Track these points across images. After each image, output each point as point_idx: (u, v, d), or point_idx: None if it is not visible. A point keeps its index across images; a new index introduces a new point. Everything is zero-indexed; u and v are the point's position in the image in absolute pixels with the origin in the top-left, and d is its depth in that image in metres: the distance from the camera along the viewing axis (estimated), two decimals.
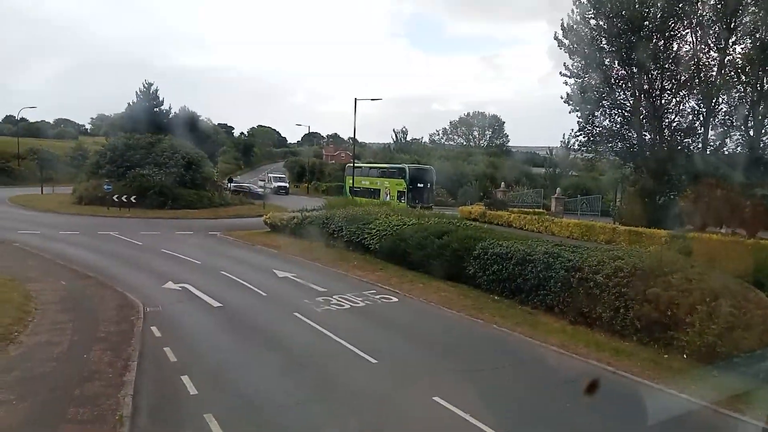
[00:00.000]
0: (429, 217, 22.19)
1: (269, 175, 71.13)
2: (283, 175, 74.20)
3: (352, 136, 46.50)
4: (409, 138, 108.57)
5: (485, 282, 16.04)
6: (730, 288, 10.84)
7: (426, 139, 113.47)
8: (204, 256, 21.54)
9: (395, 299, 15.74)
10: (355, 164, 49.49)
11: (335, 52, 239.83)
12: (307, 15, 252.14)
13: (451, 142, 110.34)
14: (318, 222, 25.41)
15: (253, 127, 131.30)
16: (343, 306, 14.71)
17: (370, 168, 52.09)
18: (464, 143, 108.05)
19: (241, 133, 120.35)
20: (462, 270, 16.93)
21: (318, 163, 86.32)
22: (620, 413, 8.71)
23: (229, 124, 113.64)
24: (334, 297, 15.49)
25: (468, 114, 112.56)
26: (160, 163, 40.97)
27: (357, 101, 41.83)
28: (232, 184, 51.48)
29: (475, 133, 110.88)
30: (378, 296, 15.90)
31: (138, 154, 41.41)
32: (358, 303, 15.06)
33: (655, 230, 25.98)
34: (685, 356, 10.63)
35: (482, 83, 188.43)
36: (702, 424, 8.44)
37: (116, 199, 37.09)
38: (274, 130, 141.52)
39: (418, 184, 44.65)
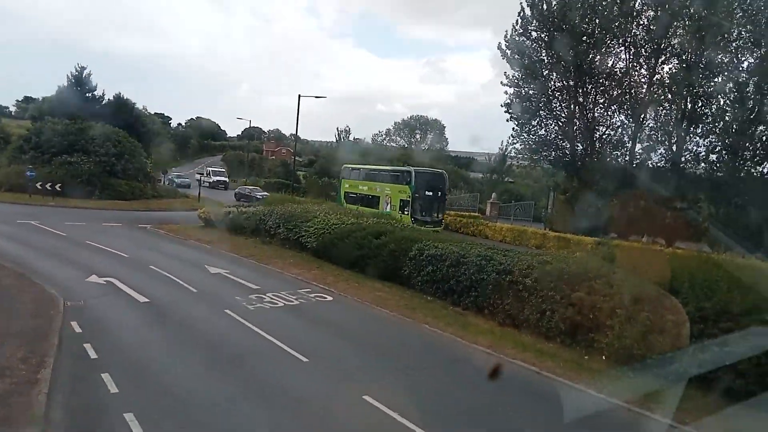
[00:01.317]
0: (368, 217, 22.23)
1: (208, 168, 69.39)
2: (222, 170, 72.40)
3: (295, 132, 45.57)
4: (352, 137, 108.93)
5: (419, 283, 16.23)
6: (648, 294, 11.43)
7: (369, 139, 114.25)
8: (132, 250, 20.72)
9: (330, 298, 15.68)
10: (353, 165, 42.48)
11: (279, 46, 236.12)
12: (253, 6, 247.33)
13: (393, 144, 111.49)
14: (255, 218, 24.98)
15: (192, 119, 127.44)
16: (277, 304, 14.51)
17: (369, 170, 42.22)
18: (405, 145, 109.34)
19: (179, 124, 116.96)
20: (398, 270, 17.06)
21: (258, 158, 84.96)
22: (542, 411, 9.09)
23: (166, 114, 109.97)
24: (267, 294, 15.25)
25: (411, 117, 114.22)
26: (90, 151, 39.14)
27: (301, 98, 41.59)
28: (237, 190, 51.05)
29: (417, 135, 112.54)
30: (313, 295, 15.80)
31: (66, 140, 39.34)
32: (292, 301, 14.91)
33: (582, 237, 27.17)
34: (604, 358, 11.15)
35: (426, 87, 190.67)
36: (615, 421, 8.87)
37: (39, 187, 35.17)
38: (214, 122, 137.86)
39: (427, 193, 34.68)
